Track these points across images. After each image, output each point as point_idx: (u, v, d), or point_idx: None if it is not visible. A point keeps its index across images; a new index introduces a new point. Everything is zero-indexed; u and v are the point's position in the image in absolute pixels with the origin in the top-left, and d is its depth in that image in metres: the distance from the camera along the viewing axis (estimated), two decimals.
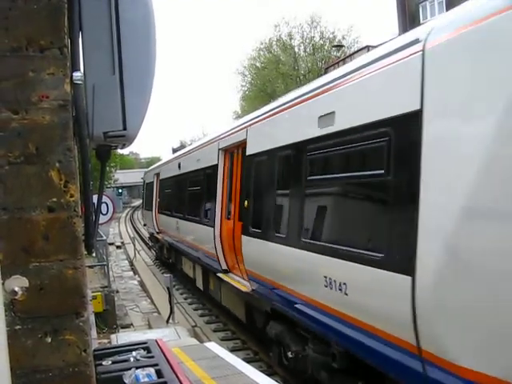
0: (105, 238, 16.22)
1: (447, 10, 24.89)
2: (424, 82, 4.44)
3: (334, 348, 6.15)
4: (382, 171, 5.06)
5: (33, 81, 2.07)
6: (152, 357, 3.62)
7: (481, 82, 4.07)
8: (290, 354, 7.61)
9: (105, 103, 2.34)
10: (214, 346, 7.68)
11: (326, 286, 5.85)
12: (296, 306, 6.98)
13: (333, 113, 5.99)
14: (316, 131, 6.39)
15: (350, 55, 34.51)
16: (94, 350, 3.38)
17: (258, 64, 51.92)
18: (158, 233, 21.64)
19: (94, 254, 16.50)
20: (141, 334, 10.70)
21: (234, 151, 10.62)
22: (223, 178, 11.16)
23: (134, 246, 28.70)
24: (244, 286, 9.51)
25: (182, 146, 39.91)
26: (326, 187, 6.46)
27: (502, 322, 3.85)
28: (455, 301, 4.10)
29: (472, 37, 4.13)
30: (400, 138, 4.85)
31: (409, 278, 4.39)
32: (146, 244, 30.39)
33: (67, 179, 2.12)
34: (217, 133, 12.90)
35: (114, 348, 4.05)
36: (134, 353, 3.65)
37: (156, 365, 3.43)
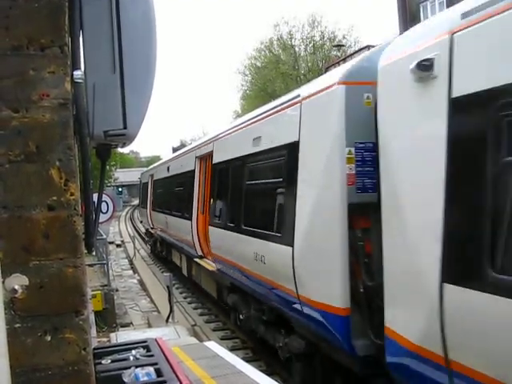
0: (105, 236, 16.21)
1: (447, 7, 24.82)
2: (300, 123, 6.96)
3: (264, 305, 8.81)
4: (281, 179, 7.63)
5: (33, 79, 2.08)
6: (151, 356, 3.62)
7: (320, 126, 6.51)
8: (241, 316, 10.25)
9: (105, 102, 2.34)
10: (213, 345, 7.69)
11: (256, 260, 8.36)
12: (242, 278, 9.53)
13: (260, 137, 8.72)
14: (251, 149, 9.04)
15: (351, 55, 34.51)
16: (94, 349, 3.38)
17: (258, 63, 51.92)
18: (152, 228, 24.03)
19: (93, 253, 16.51)
20: (140, 332, 10.69)
21: (206, 159, 13.10)
22: (199, 181, 13.69)
23: (134, 244, 28.73)
24: (212, 266, 11.95)
25: (183, 145, 39.95)
26: (256, 189, 9.10)
27: (326, 272, 6.25)
28: (309, 261, 6.66)
29: (317, 100, 6.64)
30: (289, 156, 7.30)
31: (291, 249, 6.94)
32: (146, 242, 30.41)
33: (67, 178, 2.12)
34: (195, 143, 16.21)
35: (113, 347, 4.05)
36: (133, 352, 3.65)
37: (155, 364, 3.43)
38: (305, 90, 7.19)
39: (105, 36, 2.33)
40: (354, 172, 5.94)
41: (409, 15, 32.15)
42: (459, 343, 4.15)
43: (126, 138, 2.47)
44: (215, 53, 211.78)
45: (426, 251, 4.44)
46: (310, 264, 6.66)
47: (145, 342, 3.93)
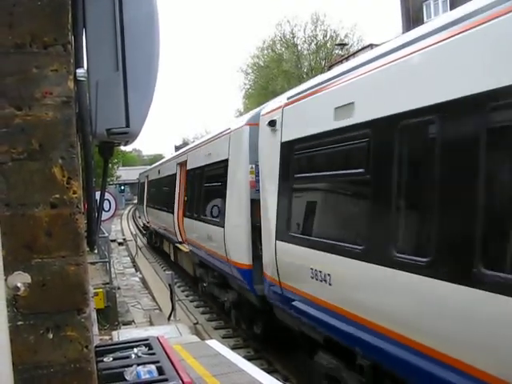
0: (107, 234, 16.23)
1: (451, 8, 24.80)
2: (229, 147, 10.94)
3: (215, 272, 12.63)
4: (220, 183, 11.38)
5: (36, 77, 2.08)
6: (153, 354, 3.63)
7: (237, 150, 10.38)
8: (204, 284, 14.30)
9: (108, 100, 2.34)
10: (215, 344, 7.71)
11: (208, 239, 12.27)
12: (202, 253, 13.53)
13: (210, 153, 12.87)
14: (207, 161, 13.14)
15: (354, 53, 34.45)
16: (96, 347, 3.39)
17: (260, 62, 51.90)
18: (147, 222, 28.53)
19: (96, 251, 16.53)
20: (142, 330, 10.73)
21: (183, 166, 17.18)
22: (180, 182, 17.63)
23: (136, 242, 28.74)
24: (186, 248, 15.90)
25: (185, 144, 39.96)
26: (208, 189, 13.09)
27: (240, 242, 9.98)
28: (232, 237, 10.42)
29: (236, 133, 10.59)
30: (223, 168, 11.19)
31: (223, 229, 10.82)
32: (143, 235, 30.50)
33: (70, 176, 2.12)
34: (176, 153, 21.98)
35: (115, 345, 4.06)
36: (135, 349, 3.66)
37: (157, 362, 3.44)
38: (232, 126, 11.17)
39: (108, 34, 2.33)
40: (254, 180, 9.64)
41: (412, 14, 32.06)
42: (283, 272, 7.78)
43: (129, 136, 2.47)
44: (218, 51, 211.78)
45: (271, 224, 8.09)
46: (232, 238, 10.44)
47: (146, 340, 3.94)
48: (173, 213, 17.67)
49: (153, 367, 3.35)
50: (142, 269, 22.18)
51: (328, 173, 6.61)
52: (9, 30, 2.04)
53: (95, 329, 9.94)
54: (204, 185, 13.52)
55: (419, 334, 4.55)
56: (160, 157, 60.74)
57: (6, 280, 2.01)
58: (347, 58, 30.78)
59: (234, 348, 9.67)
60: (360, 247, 5.51)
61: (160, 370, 3.33)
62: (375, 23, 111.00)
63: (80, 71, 2.23)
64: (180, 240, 17.00)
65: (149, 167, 34.63)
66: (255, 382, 5.93)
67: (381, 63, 5.43)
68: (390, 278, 4.94)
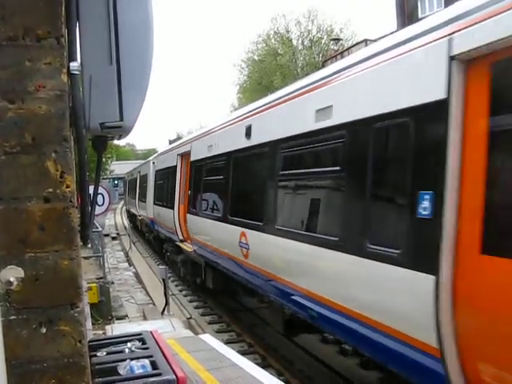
0: (100, 229, 16.19)
1: (445, 4, 24.80)
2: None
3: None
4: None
5: (29, 70, 2.06)
6: (147, 348, 3.64)
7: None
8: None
9: (102, 94, 2.33)
10: (208, 338, 7.71)
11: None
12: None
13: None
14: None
15: (348, 49, 34.46)
16: (89, 341, 3.39)
17: (255, 57, 51.80)
18: (137, 212, 31.70)
19: (89, 245, 16.49)
20: (136, 325, 10.69)
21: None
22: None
23: (130, 237, 28.71)
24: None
25: (179, 138, 40.03)
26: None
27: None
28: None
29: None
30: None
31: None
32: (142, 235, 30.52)
33: (63, 170, 2.11)
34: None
35: (108, 339, 4.06)
36: (128, 344, 3.67)
37: (151, 356, 3.44)
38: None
39: (101, 27, 2.31)
40: None
41: (406, 9, 32.06)
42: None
43: (123, 130, 2.46)
44: (213, 45, 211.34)
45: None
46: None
47: (140, 334, 3.94)
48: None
49: (146, 362, 3.35)
50: (136, 263, 22.14)
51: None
52: (1, 23, 2.03)
53: (89, 323, 9.92)
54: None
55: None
56: (154, 151, 60.56)
57: None
58: (342, 53, 30.77)
59: (227, 342, 9.66)
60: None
61: (153, 365, 3.33)
62: (370, 18, 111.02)
63: (73, 65, 2.22)
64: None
65: (132, 169, 39.49)
66: (248, 377, 5.94)
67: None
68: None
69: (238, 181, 10.16)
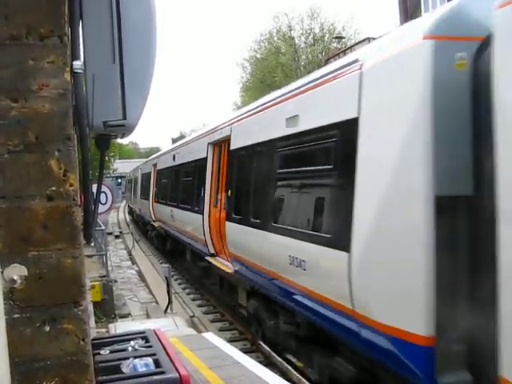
0: (103, 227, 16.21)
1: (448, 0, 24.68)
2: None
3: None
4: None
5: (32, 69, 2.07)
6: (150, 346, 3.64)
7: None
8: (150, 233, 26.85)
9: (105, 92, 2.33)
10: (211, 337, 7.72)
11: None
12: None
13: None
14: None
15: (351, 47, 34.37)
16: (92, 340, 3.39)
17: (258, 55, 51.73)
18: (137, 208, 33.52)
19: (92, 244, 16.51)
20: (139, 323, 10.73)
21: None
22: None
23: (133, 235, 28.75)
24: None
25: (182, 137, 40.23)
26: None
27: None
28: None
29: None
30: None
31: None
32: (145, 234, 30.58)
33: (66, 168, 2.11)
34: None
35: (112, 337, 4.07)
36: (132, 342, 3.67)
37: (154, 354, 3.45)
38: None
39: (104, 26, 2.31)
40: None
41: (409, 5, 31.93)
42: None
43: (126, 128, 2.46)
44: (215, 44, 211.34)
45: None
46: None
47: (143, 332, 3.95)
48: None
49: (149, 360, 3.36)
50: (139, 262, 22.16)
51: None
52: (4, 22, 2.03)
53: (92, 322, 9.94)
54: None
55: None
56: (156, 150, 60.57)
57: (2, 273, 2.01)
58: (344, 52, 30.72)
59: (230, 341, 9.67)
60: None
61: (157, 363, 3.34)
62: (372, 16, 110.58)
63: (77, 63, 2.22)
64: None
65: (133, 168, 41.14)
66: (251, 375, 5.95)
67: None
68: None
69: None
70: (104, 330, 10.22)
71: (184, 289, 16.36)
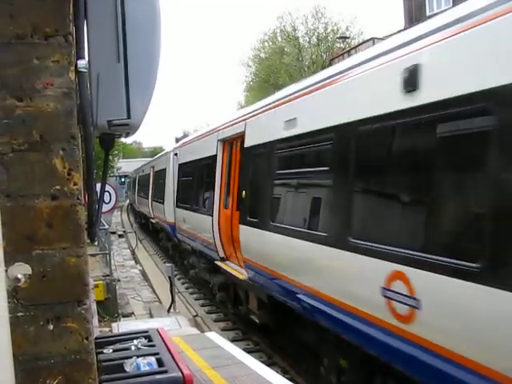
0: (107, 226, 16.23)
1: (454, 2, 24.69)
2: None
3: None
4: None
5: (37, 68, 2.07)
6: (153, 346, 3.64)
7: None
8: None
9: (109, 91, 2.33)
10: (214, 336, 7.72)
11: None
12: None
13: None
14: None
15: (355, 47, 34.33)
16: (96, 338, 3.40)
17: (262, 55, 51.72)
18: (137, 207, 35.85)
19: (96, 243, 16.54)
20: (142, 322, 10.74)
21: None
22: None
23: (136, 234, 28.80)
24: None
25: (185, 136, 40.21)
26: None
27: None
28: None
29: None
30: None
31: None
32: (149, 233, 30.63)
33: (71, 167, 2.12)
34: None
35: (115, 336, 4.07)
36: (135, 341, 3.67)
37: (157, 354, 3.45)
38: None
39: (109, 25, 2.31)
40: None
41: (414, 6, 31.85)
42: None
43: (130, 127, 2.46)
44: (219, 43, 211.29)
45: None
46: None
47: (146, 332, 3.95)
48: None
49: (152, 359, 3.36)
50: (142, 261, 22.20)
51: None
52: (10, 21, 2.03)
53: (95, 320, 9.96)
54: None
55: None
56: (160, 149, 60.63)
57: (6, 271, 2.01)
58: (349, 52, 30.68)
59: (233, 340, 9.67)
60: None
61: (159, 362, 3.34)
62: (377, 15, 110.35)
63: (81, 62, 2.22)
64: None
65: (135, 168, 43.06)
66: (254, 375, 5.95)
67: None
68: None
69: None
70: (107, 329, 10.24)
71: (187, 288, 16.37)
